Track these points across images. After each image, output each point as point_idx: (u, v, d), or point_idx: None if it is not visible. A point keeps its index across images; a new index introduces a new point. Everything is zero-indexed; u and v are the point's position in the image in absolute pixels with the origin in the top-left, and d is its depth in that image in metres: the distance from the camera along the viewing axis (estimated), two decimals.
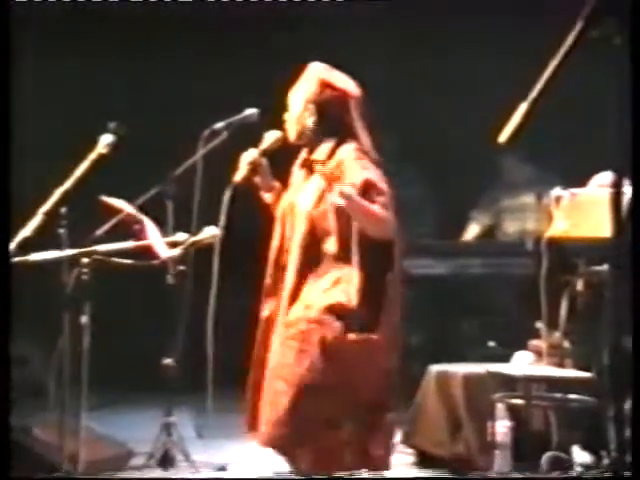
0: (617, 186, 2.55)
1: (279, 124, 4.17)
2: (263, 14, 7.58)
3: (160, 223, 4.97)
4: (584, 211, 5.08)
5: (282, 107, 4.11)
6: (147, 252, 4.80)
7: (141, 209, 4.87)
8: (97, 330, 4.46)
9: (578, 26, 2.50)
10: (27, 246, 4.33)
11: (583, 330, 5.31)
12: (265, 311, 4.09)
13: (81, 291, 4.39)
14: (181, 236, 4.90)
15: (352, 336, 3.85)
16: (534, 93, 2.51)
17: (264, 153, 4.13)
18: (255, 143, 5.02)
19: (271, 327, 4.03)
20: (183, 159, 5.02)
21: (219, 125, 4.91)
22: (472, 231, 7.33)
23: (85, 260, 4.40)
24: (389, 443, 4.09)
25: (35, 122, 7.22)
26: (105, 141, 4.55)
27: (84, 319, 4.42)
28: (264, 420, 3.94)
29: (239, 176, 4.09)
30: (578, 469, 5.24)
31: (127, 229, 4.76)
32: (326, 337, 3.83)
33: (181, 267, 5.03)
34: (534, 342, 5.50)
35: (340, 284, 3.88)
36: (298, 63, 4.10)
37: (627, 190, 2.57)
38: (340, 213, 3.85)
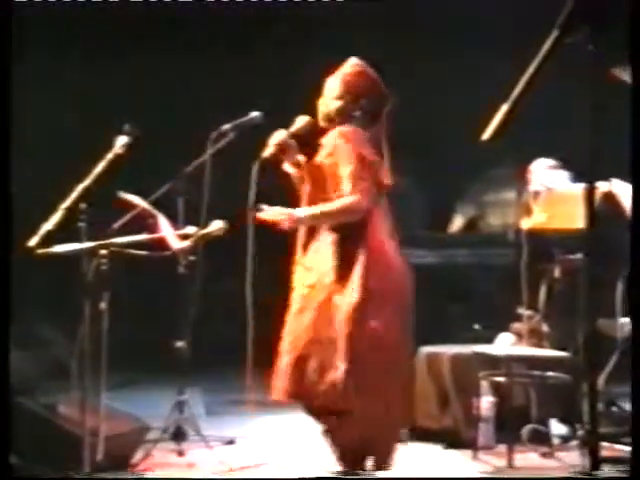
0: (590, 182, 2.56)
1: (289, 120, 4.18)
2: (277, 15, 7.55)
3: (172, 217, 4.97)
4: (560, 205, 5.09)
5: (311, 101, 4.14)
6: (160, 244, 4.80)
7: (154, 204, 4.87)
8: (115, 316, 4.46)
9: (554, 33, 2.50)
10: (50, 239, 4.33)
11: (560, 313, 5.31)
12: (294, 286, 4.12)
13: (100, 280, 4.39)
14: (191, 229, 4.90)
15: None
16: (514, 94, 2.52)
17: (292, 135, 4.10)
18: (259, 143, 5.04)
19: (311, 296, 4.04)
20: (193, 158, 5.02)
21: (226, 127, 4.92)
22: (457, 223, 7.33)
23: (103, 252, 4.40)
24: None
25: (35, 123, 7.13)
26: (121, 142, 4.55)
27: (103, 306, 4.41)
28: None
29: (266, 153, 4.06)
30: (555, 440, 5.25)
31: (142, 223, 4.76)
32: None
33: (191, 258, 5.04)
34: (515, 325, 5.51)
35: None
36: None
37: (600, 185, 2.58)
38: None
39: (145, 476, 4.22)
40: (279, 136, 4.06)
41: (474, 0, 7.38)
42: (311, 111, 4.17)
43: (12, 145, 3.50)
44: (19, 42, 3.95)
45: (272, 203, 4.01)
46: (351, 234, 3.92)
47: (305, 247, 4.04)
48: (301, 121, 4.10)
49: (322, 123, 4.10)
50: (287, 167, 4.12)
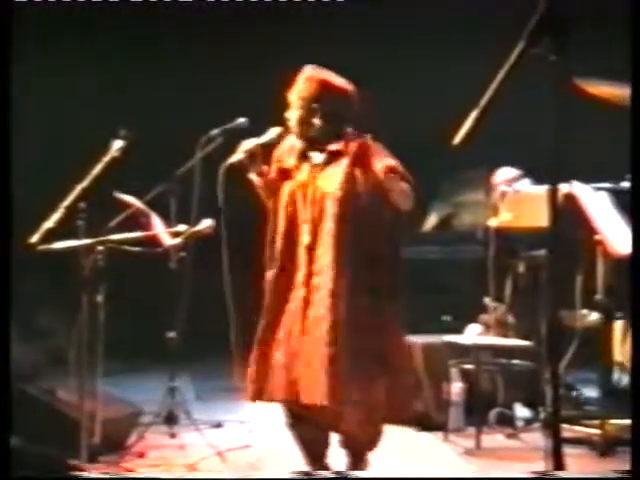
0: (553, 183, 2.56)
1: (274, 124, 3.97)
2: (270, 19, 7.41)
3: (164, 216, 4.95)
4: (525, 205, 5.09)
5: (280, 109, 3.91)
6: (153, 241, 4.80)
7: (148, 204, 4.86)
8: (110, 307, 4.45)
9: (520, 45, 2.50)
10: (50, 236, 4.31)
11: (524, 305, 5.33)
12: (272, 286, 3.80)
13: (97, 274, 4.38)
14: (182, 227, 4.89)
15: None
16: (483, 102, 2.51)
17: (263, 145, 3.87)
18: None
19: (287, 299, 3.76)
20: (184, 161, 5.01)
21: (214, 132, 4.92)
22: (431, 221, 7.33)
23: (100, 248, 4.39)
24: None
25: (34, 122, 6.99)
26: (117, 145, 4.54)
27: (99, 298, 4.40)
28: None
29: (234, 159, 3.83)
30: (520, 423, 5.27)
31: (136, 221, 4.75)
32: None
33: (182, 254, 5.03)
34: (483, 316, 5.52)
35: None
36: (293, 66, 3.95)
37: (562, 187, 2.58)
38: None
39: (145, 476, 4.13)
40: (248, 144, 3.85)
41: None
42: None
43: (12, 145, 3.39)
44: (19, 42, 3.81)
45: (239, 207, 3.85)
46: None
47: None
48: (273, 132, 3.87)
49: (300, 137, 3.82)
50: (252, 175, 3.88)
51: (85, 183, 4.40)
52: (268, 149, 3.89)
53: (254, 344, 3.79)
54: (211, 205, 4.89)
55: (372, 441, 3.86)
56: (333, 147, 3.77)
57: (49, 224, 4.28)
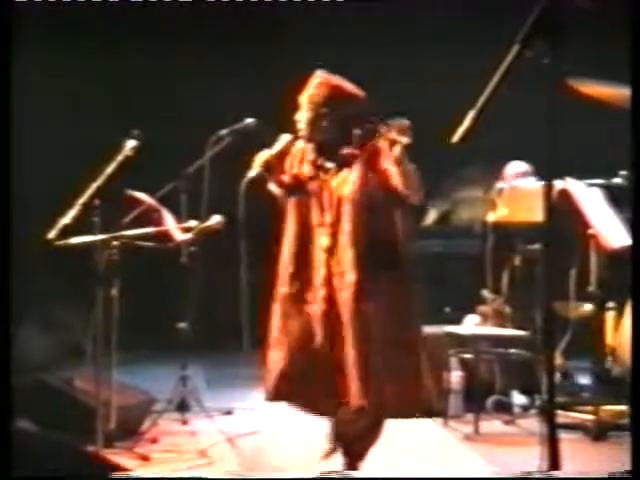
0: (548, 180, 2.56)
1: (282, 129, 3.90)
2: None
3: (175, 212, 4.96)
4: (521, 200, 5.09)
5: (289, 113, 3.84)
6: (165, 236, 4.80)
7: (160, 201, 4.86)
8: (125, 300, 4.45)
9: (515, 47, 2.50)
10: (67, 232, 4.32)
11: (520, 297, 5.33)
12: (286, 288, 3.72)
13: (111, 268, 4.38)
14: (192, 223, 4.89)
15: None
16: (480, 102, 2.52)
17: (277, 154, 3.79)
18: (253, 146, 5.02)
19: (304, 299, 3.69)
20: (194, 160, 5.01)
21: (223, 132, 4.91)
22: (431, 216, 7.33)
23: (114, 243, 4.39)
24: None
25: (36, 122, 6.85)
26: (130, 145, 4.54)
27: (114, 291, 4.41)
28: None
29: (252, 174, 3.74)
30: (517, 409, 5.27)
31: (148, 217, 4.75)
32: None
33: (192, 249, 5.03)
34: (481, 307, 5.51)
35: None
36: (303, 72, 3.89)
37: (557, 183, 2.58)
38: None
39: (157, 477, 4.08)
40: (263, 156, 3.77)
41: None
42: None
43: (12, 146, 3.28)
44: (19, 42, 3.68)
45: (261, 220, 3.81)
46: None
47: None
48: (283, 140, 3.79)
49: (304, 136, 3.76)
50: (272, 186, 3.81)
51: (99, 181, 4.39)
52: (282, 157, 3.82)
53: (269, 346, 3.72)
54: (220, 202, 4.91)
55: (374, 438, 3.79)
56: (345, 151, 3.72)
57: (66, 220, 4.29)
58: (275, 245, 3.82)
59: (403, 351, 3.66)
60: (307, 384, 3.65)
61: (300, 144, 3.80)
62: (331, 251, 3.67)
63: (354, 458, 3.79)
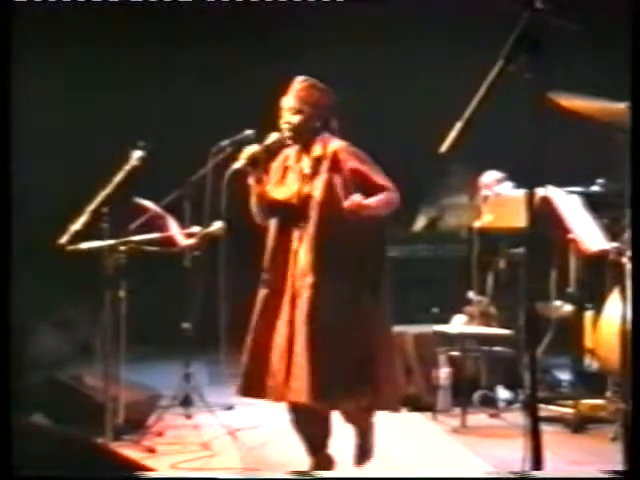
0: (530, 188, 2.56)
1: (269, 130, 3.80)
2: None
3: (179, 219, 4.95)
4: (505, 207, 5.09)
5: (274, 115, 3.77)
6: (169, 241, 4.79)
7: (165, 208, 4.86)
8: (131, 302, 4.45)
9: (499, 62, 2.50)
10: (78, 237, 4.31)
11: (504, 298, 5.33)
12: (263, 288, 3.67)
13: (119, 272, 4.37)
14: (195, 229, 4.89)
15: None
16: (466, 114, 2.51)
17: (263, 150, 3.71)
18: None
19: (277, 300, 3.62)
20: (197, 169, 5.00)
21: (224, 143, 4.90)
22: (420, 222, 7.33)
23: (122, 248, 4.39)
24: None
25: (35, 123, 6.61)
26: (137, 155, 4.53)
27: (121, 293, 4.40)
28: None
29: (238, 165, 3.64)
30: (501, 403, 5.27)
31: (154, 224, 4.74)
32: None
33: (196, 253, 5.02)
34: (468, 308, 5.51)
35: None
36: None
37: (538, 191, 2.58)
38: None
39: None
40: (250, 150, 3.70)
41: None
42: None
43: (12, 146, 3.15)
44: (19, 42, 3.51)
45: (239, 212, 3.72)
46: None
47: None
48: (273, 137, 3.71)
49: (289, 139, 3.70)
50: (251, 181, 3.72)
51: (108, 190, 4.39)
52: (267, 154, 3.74)
53: (246, 344, 3.64)
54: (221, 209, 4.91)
55: (370, 423, 3.78)
56: (315, 154, 3.66)
57: (76, 226, 4.28)
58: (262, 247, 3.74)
59: (365, 352, 3.56)
60: (267, 382, 3.57)
61: (290, 152, 3.75)
62: (297, 253, 3.61)
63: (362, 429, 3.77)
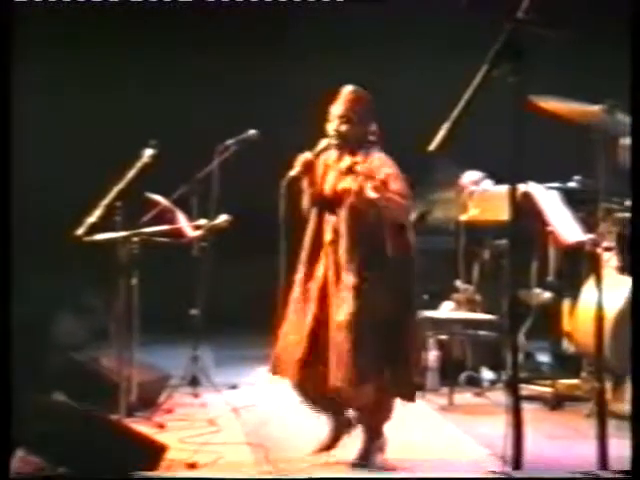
0: (513, 184, 2.57)
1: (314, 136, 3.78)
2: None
3: (187, 212, 4.96)
4: (489, 202, 5.11)
5: (321, 121, 3.76)
6: (178, 233, 4.80)
7: (174, 202, 4.87)
8: (143, 289, 4.46)
9: (484, 67, 2.52)
10: (93, 229, 4.32)
11: (489, 286, 5.34)
12: (299, 274, 3.70)
13: (132, 261, 4.39)
14: (202, 221, 4.90)
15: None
16: (453, 115, 2.53)
17: (315, 156, 3.70)
18: (254, 155, 5.04)
19: (311, 286, 3.67)
20: (204, 166, 5.01)
21: (229, 141, 4.94)
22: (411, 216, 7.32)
23: (134, 239, 4.40)
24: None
25: (35, 122, 6.50)
26: (148, 153, 4.54)
27: (134, 281, 4.41)
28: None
29: (294, 172, 3.65)
30: (485, 383, 5.28)
31: (164, 217, 4.75)
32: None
33: (203, 244, 5.03)
34: (455, 295, 5.53)
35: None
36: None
37: (520, 187, 2.59)
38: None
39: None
40: (305, 157, 3.67)
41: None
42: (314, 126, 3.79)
43: (12, 146, 3.10)
44: (19, 42, 3.41)
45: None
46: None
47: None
48: (323, 143, 3.72)
49: (336, 145, 3.72)
50: (304, 184, 3.72)
51: (121, 185, 4.39)
52: (317, 159, 3.75)
53: (280, 326, 3.69)
54: (226, 203, 4.93)
55: (386, 413, 3.76)
56: (355, 158, 3.69)
57: (92, 219, 4.28)
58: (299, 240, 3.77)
59: (389, 342, 3.58)
60: (297, 364, 3.61)
61: (331, 152, 3.76)
62: (330, 245, 3.67)
63: (370, 434, 3.74)
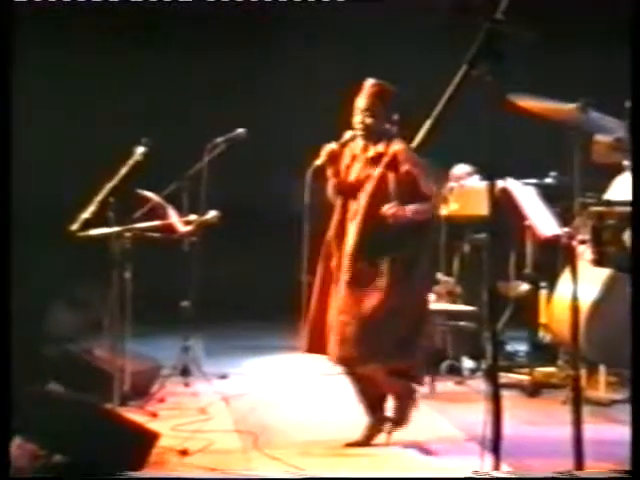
0: (491, 180, 2.57)
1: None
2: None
3: (178, 208, 4.94)
4: (469, 197, 5.11)
5: (347, 114, 3.75)
6: (169, 228, 4.78)
7: (165, 198, 4.84)
8: (136, 282, 4.44)
9: (463, 67, 2.51)
10: (87, 225, 4.30)
11: (469, 278, 5.35)
12: (321, 263, 3.75)
13: (125, 255, 4.37)
14: (193, 217, 4.88)
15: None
16: (434, 114, 2.52)
17: (340, 146, 3.71)
18: (244, 153, 5.03)
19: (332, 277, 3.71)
20: (194, 163, 5.00)
21: (219, 139, 4.92)
22: None
23: (127, 234, 4.38)
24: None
25: (36, 123, 6.45)
26: (140, 151, 4.52)
27: (127, 275, 4.40)
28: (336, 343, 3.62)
29: (319, 161, 3.68)
30: (466, 372, 5.30)
31: (155, 212, 4.73)
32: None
33: (193, 238, 5.01)
34: (436, 287, 5.53)
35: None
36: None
37: (499, 183, 2.59)
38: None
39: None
40: (329, 147, 3.70)
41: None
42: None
43: (12, 146, 3.04)
44: (19, 42, 3.38)
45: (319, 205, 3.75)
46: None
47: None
48: (348, 135, 3.72)
49: (361, 137, 3.71)
50: (329, 173, 3.73)
51: (114, 182, 4.38)
52: (342, 149, 3.75)
53: (307, 308, 3.76)
54: (216, 199, 4.91)
55: (407, 399, 3.81)
56: (379, 149, 3.69)
57: (86, 215, 4.27)
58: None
59: (406, 320, 3.61)
60: (326, 342, 3.66)
61: (357, 142, 3.75)
62: (349, 231, 3.69)
63: (395, 421, 3.79)
